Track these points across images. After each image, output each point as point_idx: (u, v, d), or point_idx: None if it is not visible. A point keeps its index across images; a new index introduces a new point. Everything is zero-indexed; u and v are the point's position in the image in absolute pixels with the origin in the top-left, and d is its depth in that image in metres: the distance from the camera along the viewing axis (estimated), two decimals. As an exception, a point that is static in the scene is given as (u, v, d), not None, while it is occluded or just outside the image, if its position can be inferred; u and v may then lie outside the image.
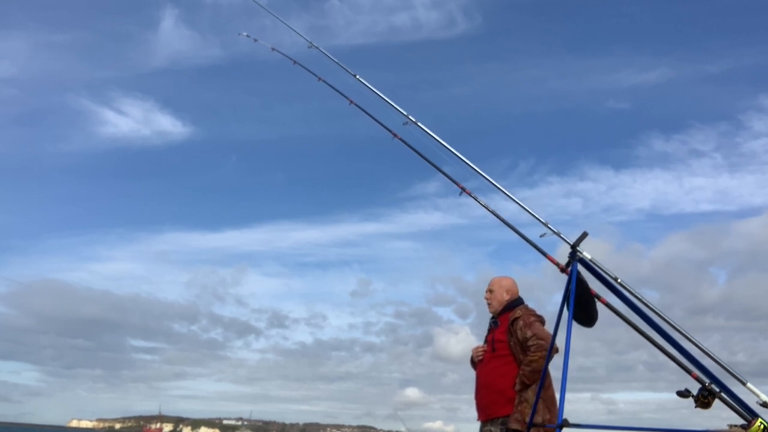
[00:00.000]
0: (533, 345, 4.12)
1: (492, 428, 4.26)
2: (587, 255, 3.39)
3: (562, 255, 3.48)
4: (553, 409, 4.05)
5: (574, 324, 3.40)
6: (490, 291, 4.64)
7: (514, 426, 4.04)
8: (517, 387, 4.15)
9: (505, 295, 4.57)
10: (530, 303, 4.56)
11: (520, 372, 4.16)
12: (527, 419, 3.96)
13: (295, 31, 6.31)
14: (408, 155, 4.75)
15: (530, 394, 4.07)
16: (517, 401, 4.12)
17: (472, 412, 4.55)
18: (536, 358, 4.06)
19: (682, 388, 2.96)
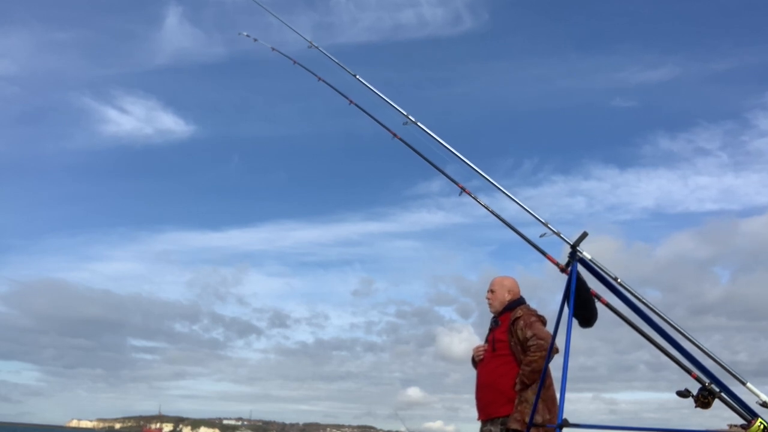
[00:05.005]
0: (533, 345, 4.12)
1: (492, 428, 4.26)
2: (587, 255, 3.39)
3: (565, 255, 3.49)
4: (554, 409, 4.05)
5: (576, 324, 3.41)
6: (491, 291, 4.63)
7: (514, 426, 4.04)
8: (517, 387, 4.15)
9: (506, 295, 4.57)
10: (532, 303, 4.57)
11: (520, 372, 4.16)
12: (527, 419, 3.96)
13: (295, 31, 6.32)
14: (410, 155, 4.76)
15: (530, 394, 4.07)
16: (517, 401, 4.12)
17: (473, 412, 4.55)
18: (536, 358, 4.06)
19: (682, 388, 2.97)
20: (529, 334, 4.18)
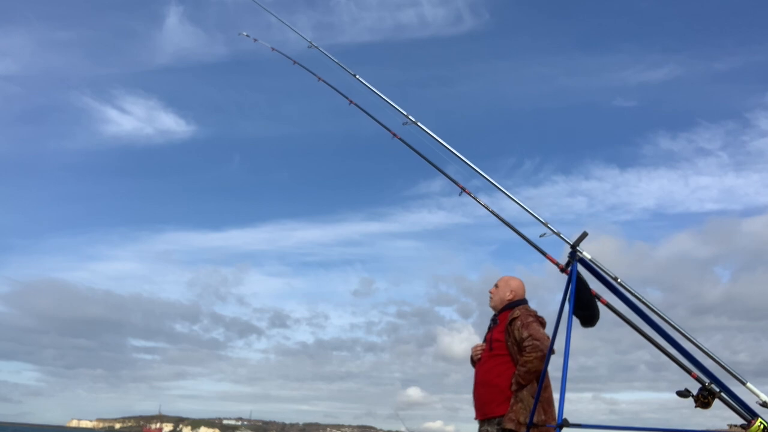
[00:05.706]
0: (529, 345, 4.11)
1: (488, 428, 4.25)
2: (587, 255, 3.40)
3: (565, 255, 3.49)
4: (549, 409, 4.04)
5: (577, 324, 3.42)
6: (495, 286, 4.65)
7: (509, 426, 4.03)
8: (513, 387, 4.14)
9: (508, 293, 4.57)
10: (533, 302, 4.55)
11: (516, 372, 4.15)
12: (521, 419, 3.96)
13: (295, 30, 6.33)
14: (410, 154, 4.76)
15: (525, 395, 4.06)
16: (512, 401, 4.11)
17: (473, 412, 4.54)
18: (531, 358, 4.05)
19: (683, 388, 2.97)
20: (525, 334, 4.17)
